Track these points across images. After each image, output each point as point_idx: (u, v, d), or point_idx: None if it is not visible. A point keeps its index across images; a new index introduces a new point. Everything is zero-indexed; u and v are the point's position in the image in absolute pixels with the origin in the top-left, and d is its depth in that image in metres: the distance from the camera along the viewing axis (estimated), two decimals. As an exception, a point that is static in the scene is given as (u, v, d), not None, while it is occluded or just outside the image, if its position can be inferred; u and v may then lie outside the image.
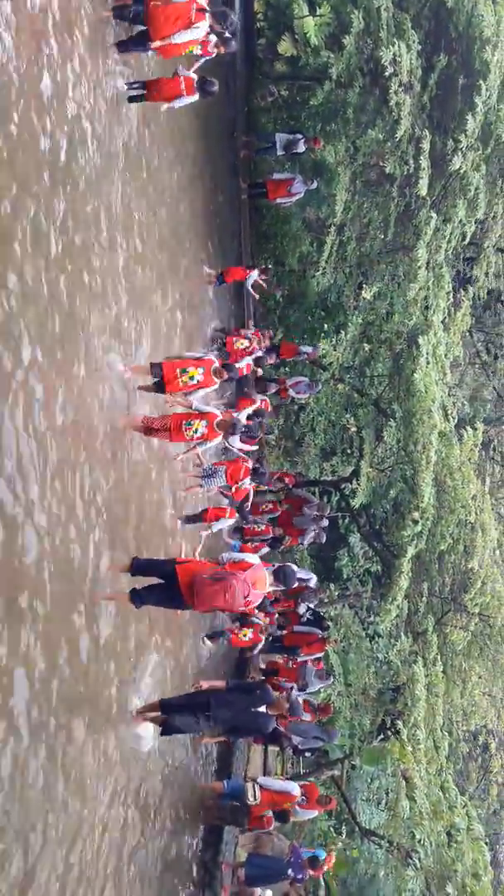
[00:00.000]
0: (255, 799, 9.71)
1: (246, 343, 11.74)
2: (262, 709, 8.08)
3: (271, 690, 8.58)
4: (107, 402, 6.74)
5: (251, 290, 12.98)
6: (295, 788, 10.04)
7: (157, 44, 7.53)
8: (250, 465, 10.51)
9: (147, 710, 6.89)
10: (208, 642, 10.27)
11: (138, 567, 6.62)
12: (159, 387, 7.41)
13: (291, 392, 13.63)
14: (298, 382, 13.96)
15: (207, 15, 7.62)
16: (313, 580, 12.81)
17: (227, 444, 10.11)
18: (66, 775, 5.45)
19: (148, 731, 6.96)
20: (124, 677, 6.75)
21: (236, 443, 10.30)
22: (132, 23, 7.42)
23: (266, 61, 16.14)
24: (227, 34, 8.25)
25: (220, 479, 9.54)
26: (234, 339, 11.65)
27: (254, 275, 12.38)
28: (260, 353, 12.04)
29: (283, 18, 15.84)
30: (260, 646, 11.68)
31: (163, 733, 6.89)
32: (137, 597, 6.49)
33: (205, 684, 7.48)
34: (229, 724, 7.50)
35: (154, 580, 6.65)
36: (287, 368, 14.97)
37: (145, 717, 6.85)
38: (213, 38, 8.09)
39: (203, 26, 7.63)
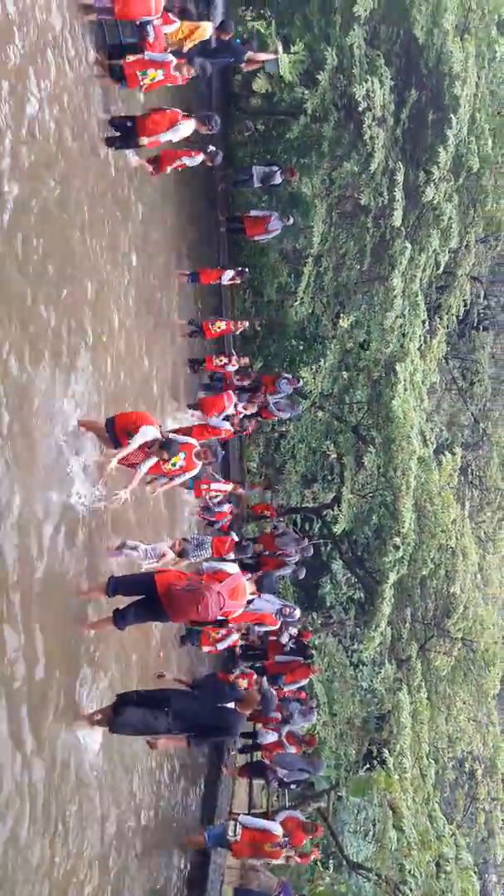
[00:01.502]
0: (236, 836, 9.55)
1: (223, 325, 11.95)
2: (231, 706, 7.31)
3: (241, 688, 7.98)
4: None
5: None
6: (277, 828, 9.86)
7: (144, 140, 8.27)
8: (234, 536, 10.76)
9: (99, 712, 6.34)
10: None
11: (116, 586, 6.52)
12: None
13: (272, 407, 13.67)
14: (279, 398, 14.02)
15: (193, 119, 8.38)
16: (297, 612, 12.70)
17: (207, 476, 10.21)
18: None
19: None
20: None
21: (215, 483, 10.57)
22: (119, 147, 8.24)
23: (242, 97, 16.46)
24: (213, 148, 9.28)
25: (207, 552, 9.45)
26: (210, 323, 11.89)
27: (228, 274, 12.40)
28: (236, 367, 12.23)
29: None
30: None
31: (111, 730, 6.21)
32: (120, 618, 6.43)
33: (168, 676, 6.99)
34: (191, 722, 6.53)
35: (132, 598, 6.57)
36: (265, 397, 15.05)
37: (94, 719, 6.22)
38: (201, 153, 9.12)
39: (187, 127, 8.34)
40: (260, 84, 16.70)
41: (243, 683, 10.75)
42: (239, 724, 6.92)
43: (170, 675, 7.07)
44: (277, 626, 11.81)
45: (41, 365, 5.93)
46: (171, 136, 8.30)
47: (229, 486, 11.46)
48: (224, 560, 9.12)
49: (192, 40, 9.12)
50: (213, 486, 10.85)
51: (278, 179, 13.21)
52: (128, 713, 6.13)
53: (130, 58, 7.79)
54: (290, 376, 13.81)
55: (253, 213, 13.61)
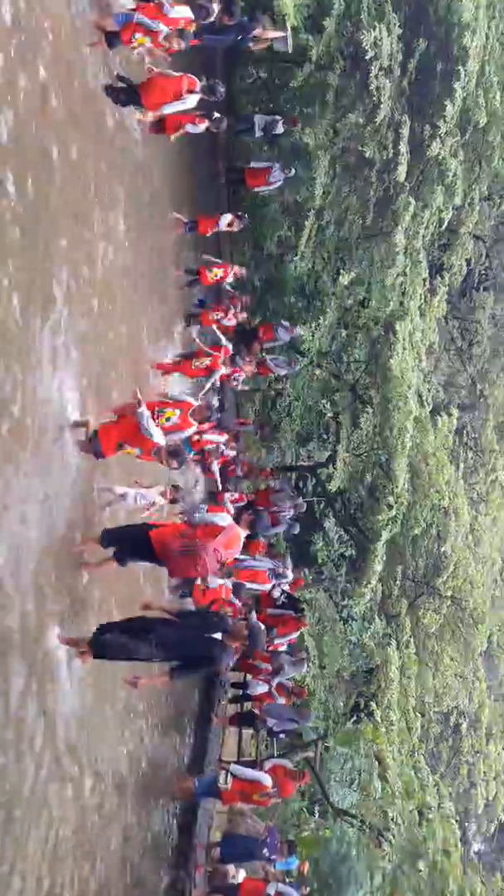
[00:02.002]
0: (227, 784, 9.78)
1: (220, 272, 11.71)
2: (218, 637, 7.06)
3: (230, 619, 7.80)
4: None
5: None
6: (266, 779, 10.10)
7: (149, 115, 8.24)
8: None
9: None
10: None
11: (110, 538, 6.55)
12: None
13: (270, 364, 13.58)
14: (277, 358, 13.97)
15: (197, 91, 8.31)
16: (290, 572, 12.76)
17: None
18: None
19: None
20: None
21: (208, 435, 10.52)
22: (125, 103, 8.06)
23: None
24: (217, 114, 9.17)
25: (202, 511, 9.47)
26: (207, 270, 11.64)
27: (226, 218, 12.13)
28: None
29: (262, -1, 15.68)
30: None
31: (93, 652, 6.11)
32: (121, 557, 6.54)
33: (154, 606, 6.91)
34: (175, 650, 6.38)
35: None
36: (264, 353, 14.95)
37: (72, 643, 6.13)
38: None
39: (192, 99, 8.28)
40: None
41: (229, 610, 10.91)
42: (224, 655, 6.73)
43: (156, 605, 7.12)
44: (270, 586, 11.94)
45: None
46: (175, 108, 8.23)
47: (223, 438, 11.42)
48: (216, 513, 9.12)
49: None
50: (206, 437, 10.77)
51: (280, 129, 12.91)
52: (110, 637, 6.14)
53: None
54: (287, 324, 13.67)
55: (254, 163, 13.31)
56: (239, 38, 10.70)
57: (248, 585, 11.72)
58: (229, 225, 12.01)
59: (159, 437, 6.38)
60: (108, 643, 6.10)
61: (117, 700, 7.42)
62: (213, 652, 6.60)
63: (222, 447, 11.79)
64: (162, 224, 10.66)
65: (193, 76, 8.41)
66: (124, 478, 7.69)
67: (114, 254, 8.17)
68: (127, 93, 8.00)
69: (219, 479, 11.58)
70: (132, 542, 6.54)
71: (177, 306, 11.62)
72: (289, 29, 11.65)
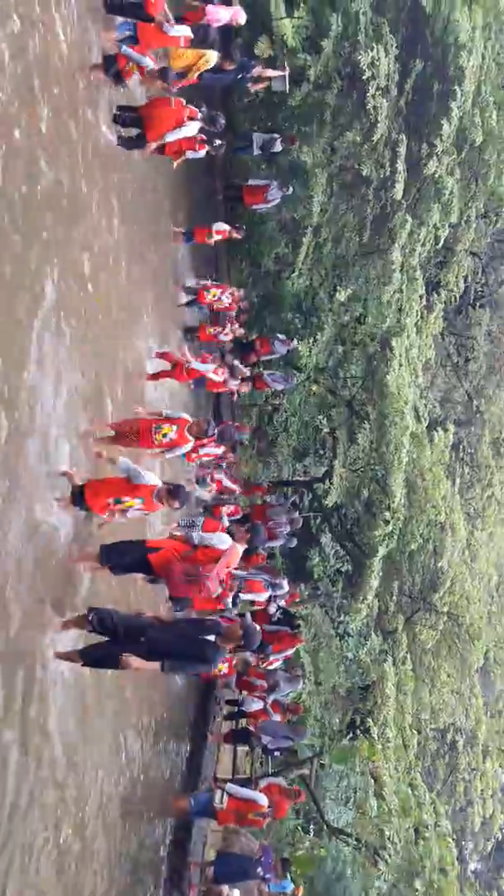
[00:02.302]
0: (222, 804, 9.73)
1: (217, 292, 11.85)
2: (211, 638, 6.97)
3: (223, 623, 7.73)
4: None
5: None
6: (262, 798, 10.05)
7: (153, 145, 8.45)
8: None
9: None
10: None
11: (108, 555, 6.53)
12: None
13: (267, 379, 13.63)
14: (274, 373, 14.05)
15: (198, 118, 8.58)
16: (285, 583, 12.75)
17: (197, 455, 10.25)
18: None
19: None
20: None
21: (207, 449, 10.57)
22: (127, 125, 8.29)
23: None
24: (217, 141, 9.47)
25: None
26: (205, 291, 11.79)
27: (223, 225, 12.19)
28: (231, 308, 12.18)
29: (259, 18, 15.86)
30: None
31: (88, 624, 6.10)
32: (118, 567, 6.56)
33: (149, 613, 6.82)
34: (165, 648, 6.31)
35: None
36: (261, 368, 15.01)
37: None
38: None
39: (194, 126, 8.53)
40: (262, 48, 16.34)
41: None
42: (217, 655, 6.66)
43: (150, 612, 7.04)
44: (266, 597, 11.91)
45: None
46: (177, 135, 8.45)
47: (220, 450, 11.45)
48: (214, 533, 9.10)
49: (198, 68, 9.07)
50: (204, 450, 10.81)
51: (279, 147, 13.02)
52: (104, 614, 6.16)
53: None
54: (283, 337, 13.74)
55: (252, 181, 13.42)
56: (238, 76, 10.92)
57: (244, 597, 11.68)
58: (226, 232, 12.08)
59: (154, 479, 5.93)
60: (103, 616, 6.14)
61: (110, 714, 7.38)
62: (206, 652, 6.50)
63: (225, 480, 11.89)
64: (159, 239, 10.73)
65: (194, 106, 8.61)
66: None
67: (112, 266, 8.22)
68: (135, 139, 8.33)
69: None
70: (131, 563, 6.56)
71: (172, 320, 11.67)
72: (287, 69, 11.92)
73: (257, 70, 11.15)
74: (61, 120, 6.73)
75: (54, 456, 6.12)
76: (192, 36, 8.42)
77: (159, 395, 10.18)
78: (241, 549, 6.85)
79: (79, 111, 7.24)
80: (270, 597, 12.92)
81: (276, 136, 13.05)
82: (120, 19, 7.88)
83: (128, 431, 7.19)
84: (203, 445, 10.32)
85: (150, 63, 8.02)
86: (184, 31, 8.27)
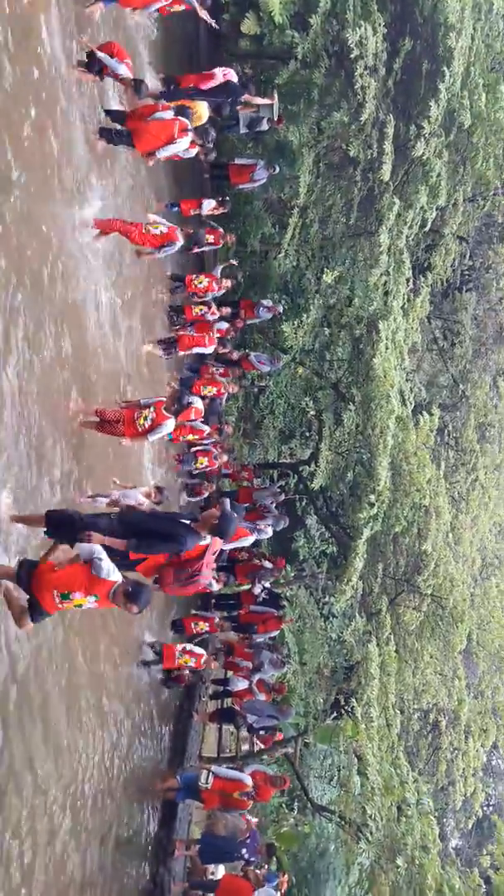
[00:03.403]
0: (207, 784, 9.83)
1: (206, 281, 11.79)
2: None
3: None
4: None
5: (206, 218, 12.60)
6: (246, 778, 10.16)
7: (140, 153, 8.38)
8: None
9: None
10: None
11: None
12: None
13: (253, 360, 13.62)
14: (260, 354, 14.05)
15: (190, 132, 8.48)
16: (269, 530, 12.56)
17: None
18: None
19: None
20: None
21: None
22: (117, 143, 8.26)
23: (230, 38, 15.90)
24: (211, 145, 9.68)
25: None
26: (193, 278, 11.75)
27: (210, 203, 12.14)
28: (218, 294, 12.10)
29: (248, -5, 15.65)
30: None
31: (46, 521, 5.76)
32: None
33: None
34: (136, 528, 6.02)
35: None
36: (247, 349, 14.96)
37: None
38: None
39: (185, 141, 8.43)
40: (249, 25, 16.14)
41: (206, 625, 11.02)
42: (190, 537, 6.26)
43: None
44: (251, 541, 11.76)
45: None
46: (168, 152, 8.38)
47: (207, 429, 11.46)
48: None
49: (192, 122, 9.04)
50: (191, 426, 10.89)
51: (265, 126, 12.89)
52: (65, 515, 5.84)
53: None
54: (269, 303, 13.69)
55: (238, 160, 13.29)
56: (228, 100, 10.86)
57: (230, 546, 11.54)
58: (212, 209, 11.98)
59: (116, 576, 5.08)
60: (62, 512, 5.80)
61: (95, 695, 7.41)
62: (177, 530, 6.21)
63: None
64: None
65: (185, 119, 8.52)
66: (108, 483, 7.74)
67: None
68: (119, 134, 8.22)
69: None
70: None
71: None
72: (276, 97, 11.87)
73: (246, 96, 11.17)
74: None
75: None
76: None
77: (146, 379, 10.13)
78: (208, 538, 6.81)
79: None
80: (256, 576, 12.99)
81: (262, 114, 12.91)
82: None
83: (112, 419, 7.38)
84: (189, 423, 10.39)
85: (124, 71, 8.02)
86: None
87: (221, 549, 10.70)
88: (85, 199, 7.79)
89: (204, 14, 9.93)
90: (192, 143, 9.21)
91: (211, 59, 14.15)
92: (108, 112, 8.39)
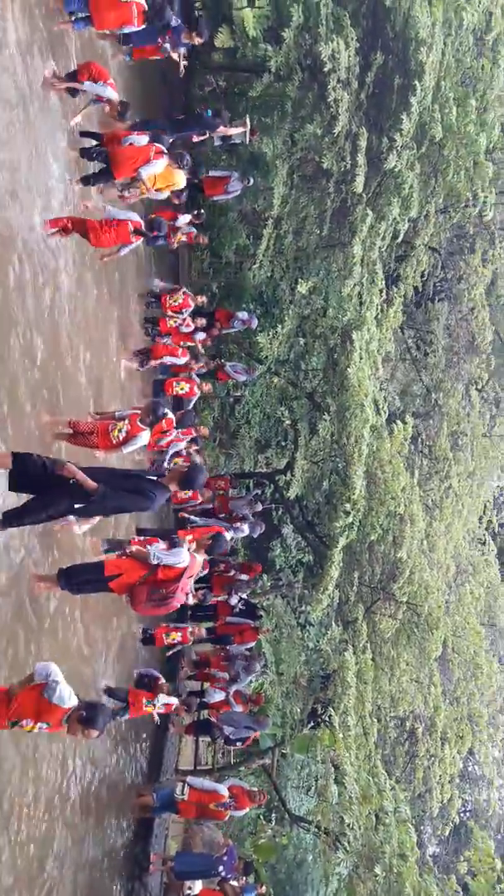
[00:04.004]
0: (183, 795, 9.78)
1: (181, 299, 11.87)
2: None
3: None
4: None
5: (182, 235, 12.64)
6: (223, 789, 10.13)
7: (118, 182, 8.58)
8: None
9: None
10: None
11: (68, 580, 6.47)
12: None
13: (229, 370, 13.66)
14: (235, 364, 14.10)
15: (165, 156, 8.64)
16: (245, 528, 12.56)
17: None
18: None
19: None
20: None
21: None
22: (96, 160, 8.35)
23: (204, 51, 15.99)
24: (188, 160, 9.57)
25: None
26: (168, 297, 11.84)
27: (185, 217, 12.20)
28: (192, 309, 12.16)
29: (221, 8, 15.75)
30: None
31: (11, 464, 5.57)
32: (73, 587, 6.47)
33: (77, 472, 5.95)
34: (104, 481, 5.83)
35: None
36: (222, 360, 14.98)
37: None
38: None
39: (161, 164, 8.58)
40: (223, 39, 16.25)
41: (176, 636, 10.97)
42: (160, 493, 6.10)
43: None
44: (229, 536, 11.77)
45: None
46: (147, 171, 8.53)
47: (184, 443, 11.44)
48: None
49: (168, 187, 9.29)
50: (168, 440, 10.83)
51: (239, 139, 12.99)
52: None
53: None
54: (246, 316, 13.77)
55: (212, 172, 13.36)
56: (201, 131, 10.98)
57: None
58: (188, 223, 12.03)
59: (71, 701, 4.73)
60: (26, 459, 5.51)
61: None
62: (145, 486, 6.05)
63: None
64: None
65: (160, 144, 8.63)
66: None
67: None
68: (100, 172, 8.37)
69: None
70: (92, 589, 6.53)
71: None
72: (248, 124, 12.09)
73: (221, 129, 11.29)
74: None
75: None
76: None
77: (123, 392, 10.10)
78: (201, 559, 6.79)
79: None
80: (232, 588, 12.97)
81: (235, 140, 13.00)
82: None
83: (86, 431, 7.32)
84: (165, 434, 10.35)
85: (111, 93, 8.09)
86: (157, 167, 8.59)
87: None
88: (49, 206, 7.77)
89: (181, 61, 10.04)
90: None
91: (185, 73, 14.19)
92: (84, 134, 8.42)
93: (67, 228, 7.67)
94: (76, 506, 5.79)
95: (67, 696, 4.64)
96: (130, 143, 8.22)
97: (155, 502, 5.99)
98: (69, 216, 7.86)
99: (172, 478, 6.20)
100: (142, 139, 8.28)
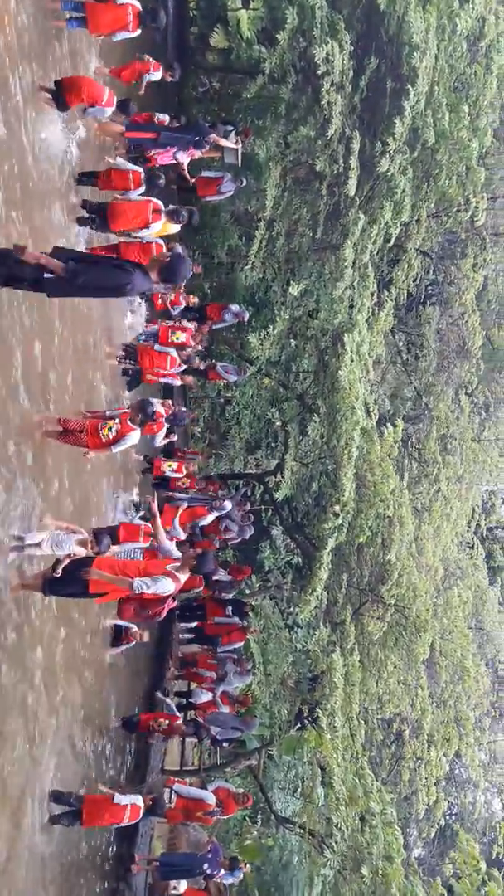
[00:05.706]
0: (170, 803, 9.78)
1: (172, 295, 11.81)
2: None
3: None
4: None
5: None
6: (210, 797, 10.13)
7: (115, 235, 8.59)
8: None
9: None
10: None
11: (53, 590, 6.47)
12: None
13: (220, 370, 13.66)
14: (226, 364, 14.10)
15: (163, 214, 8.60)
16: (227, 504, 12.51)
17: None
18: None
19: None
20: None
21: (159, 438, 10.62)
22: (92, 213, 8.34)
23: (198, 52, 16.02)
24: (184, 212, 9.44)
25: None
26: (160, 295, 11.74)
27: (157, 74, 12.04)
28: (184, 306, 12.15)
29: (215, 9, 15.77)
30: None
31: None
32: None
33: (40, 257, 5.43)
34: (70, 258, 5.40)
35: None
36: (213, 360, 14.97)
37: None
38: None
39: (158, 225, 8.54)
40: (218, 39, 16.30)
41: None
42: (138, 271, 5.53)
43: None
44: (211, 519, 11.79)
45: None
46: (143, 234, 8.55)
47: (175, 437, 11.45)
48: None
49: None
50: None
51: (233, 139, 13.00)
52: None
53: None
54: (237, 309, 13.74)
55: (205, 173, 13.37)
56: (195, 138, 10.96)
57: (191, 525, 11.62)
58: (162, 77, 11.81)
59: None
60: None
61: (60, 709, 7.31)
62: (121, 263, 5.63)
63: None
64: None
65: (158, 200, 8.63)
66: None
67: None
68: (96, 222, 8.33)
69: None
70: (77, 592, 6.54)
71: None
72: (240, 144, 11.99)
73: (213, 137, 11.27)
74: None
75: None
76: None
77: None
78: (184, 577, 6.68)
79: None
80: (219, 588, 12.95)
81: (229, 128, 12.99)
82: None
83: (76, 429, 7.30)
84: (153, 433, 10.40)
85: (107, 110, 8.04)
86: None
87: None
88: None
89: (169, 75, 10.04)
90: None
91: (179, 73, 14.19)
92: (82, 177, 8.37)
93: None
94: (46, 276, 5.26)
95: None
96: (129, 200, 8.35)
97: (134, 279, 5.39)
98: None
99: (153, 266, 5.63)
100: (137, 194, 8.33)
